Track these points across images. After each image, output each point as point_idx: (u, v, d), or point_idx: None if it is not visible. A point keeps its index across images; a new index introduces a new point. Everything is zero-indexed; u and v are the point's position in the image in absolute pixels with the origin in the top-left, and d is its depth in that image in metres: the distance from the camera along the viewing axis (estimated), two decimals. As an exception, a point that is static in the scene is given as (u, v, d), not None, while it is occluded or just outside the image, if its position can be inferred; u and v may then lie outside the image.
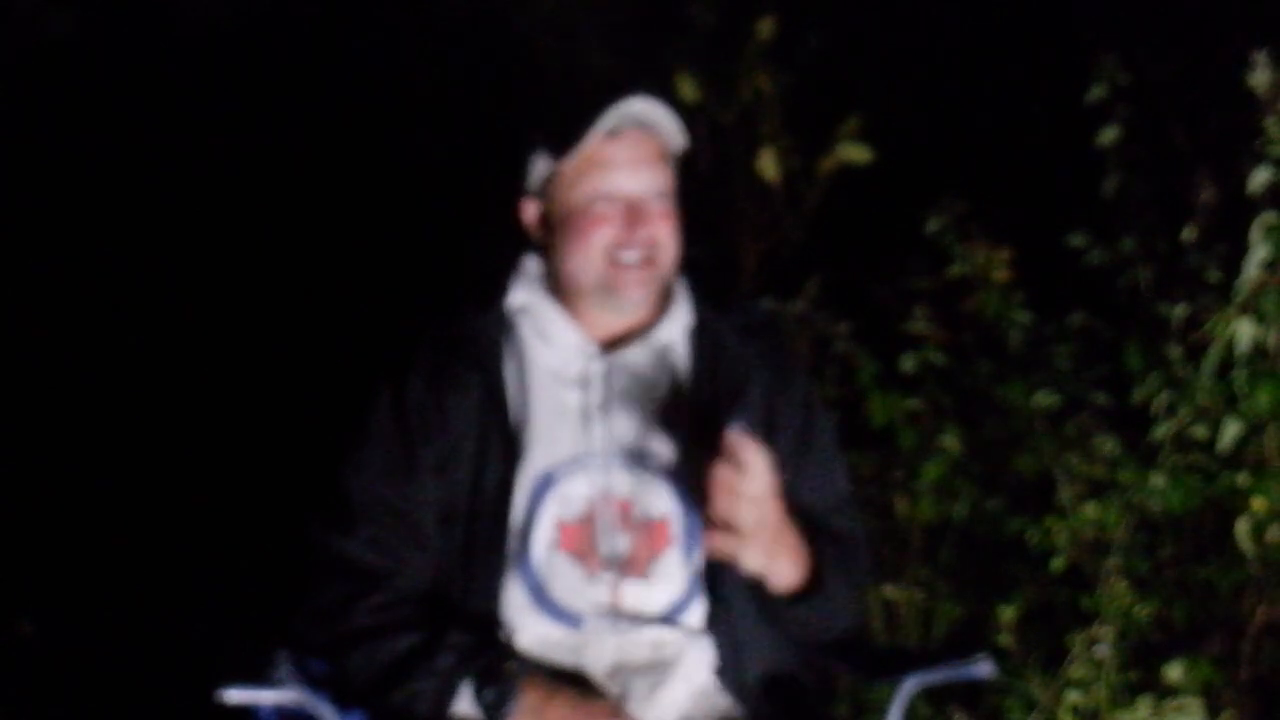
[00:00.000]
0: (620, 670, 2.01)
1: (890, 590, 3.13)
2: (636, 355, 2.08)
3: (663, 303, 2.13)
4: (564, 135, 2.03)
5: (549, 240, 2.09)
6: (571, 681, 1.98)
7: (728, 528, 1.89)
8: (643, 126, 2.04)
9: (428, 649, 1.95)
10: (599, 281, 2.04)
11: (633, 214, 2.02)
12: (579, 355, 2.07)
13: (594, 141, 2.02)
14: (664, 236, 2.05)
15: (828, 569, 2.02)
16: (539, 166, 2.07)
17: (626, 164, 2.03)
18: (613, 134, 2.03)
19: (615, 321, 2.09)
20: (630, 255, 2.03)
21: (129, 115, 4.28)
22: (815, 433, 2.13)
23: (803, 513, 2.05)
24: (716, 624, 2.04)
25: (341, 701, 2.00)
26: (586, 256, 2.04)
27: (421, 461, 2.03)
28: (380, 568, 2.02)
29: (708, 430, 2.05)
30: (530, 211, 2.11)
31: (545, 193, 2.07)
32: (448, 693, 1.95)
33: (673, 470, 2.05)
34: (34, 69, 4.33)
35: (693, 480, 2.03)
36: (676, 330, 2.11)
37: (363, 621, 1.99)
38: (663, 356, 2.10)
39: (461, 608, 2.00)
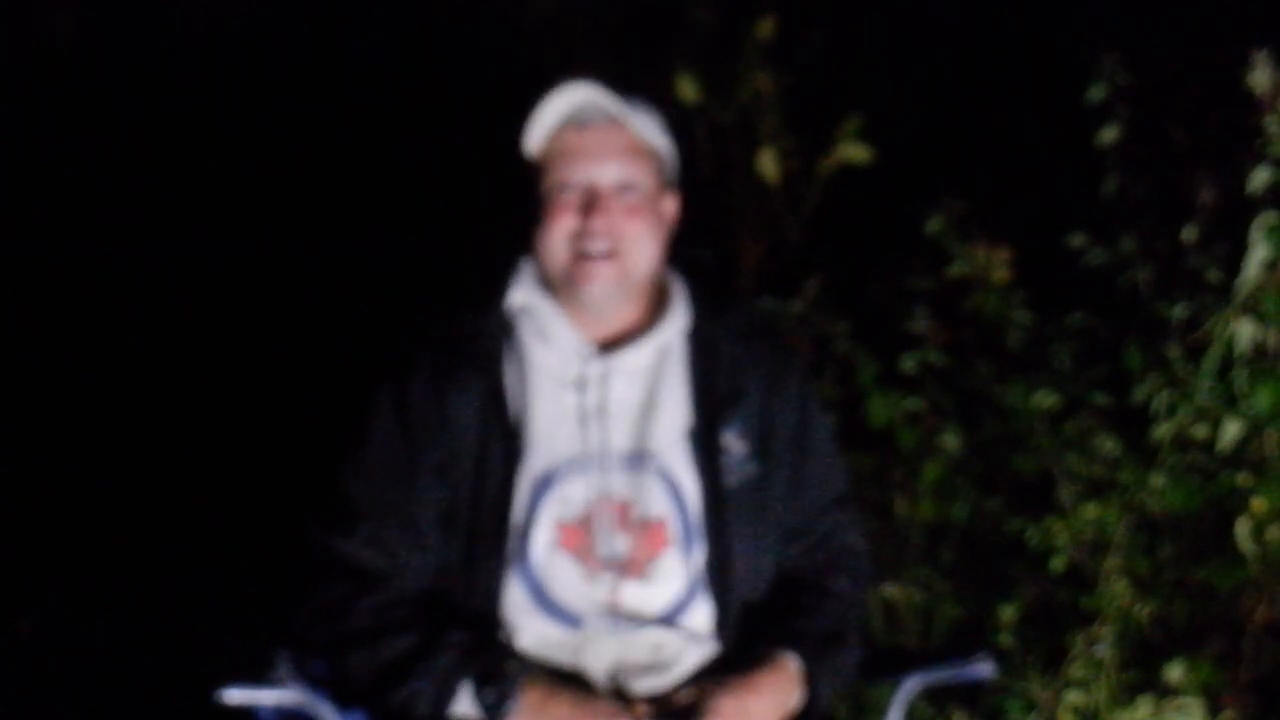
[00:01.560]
0: (620, 670, 2.01)
1: (890, 590, 3.12)
2: (634, 358, 2.08)
3: (660, 304, 2.13)
4: (528, 126, 2.06)
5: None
6: (571, 681, 1.99)
7: None
8: (612, 119, 2.04)
9: (427, 649, 1.96)
10: (564, 273, 2.05)
11: (590, 203, 2.03)
12: (576, 357, 2.07)
13: (561, 132, 2.04)
14: (629, 230, 2.04)
15: (816, 669, 2.02)
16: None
17: (589, 154, 2.04)
18: (580, 125, 2.04)
19: (613, 323, 2.10)
20: (592, 246, 2.03)
21: (129, 116, 4.28)
22: (812, 434, 2.14)
23: (793, 529, 2.08)
24: (723, 627, 2.05)
25: (341, 701, 2.00)
26: (551, 246, 2.05)
27: (423, 462, 2.04)
28: (380, 568, 2.02)
29: (705, 433, 2.05)
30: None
31: (532, 186, 2.09)
32: (447, 692, 1.95)
33: (670, 471, 2.05)
34: (34, 69, 4.33)
35: (690, 481, 2.04)
36: (674, 332, 2.11)
37: (363, 622, 1.99)
38: (660, 359, 2.10)
39: (461, 608, 2.01)
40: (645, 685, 2.00)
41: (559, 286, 2.07)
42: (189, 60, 4.32)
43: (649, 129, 2.07)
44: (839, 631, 2.07)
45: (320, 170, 4.12)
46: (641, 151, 2.07)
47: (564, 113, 2.05)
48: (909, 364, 3.19)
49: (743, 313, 2.20)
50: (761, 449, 2.08)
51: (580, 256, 2.03)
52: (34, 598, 3.84)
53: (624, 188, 2.05)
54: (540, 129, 2.06)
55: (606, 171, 2.04)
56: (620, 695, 1.99)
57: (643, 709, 1.94)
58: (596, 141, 2.04)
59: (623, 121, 2.05)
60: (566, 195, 2.04)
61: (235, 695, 1.97)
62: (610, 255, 2.03)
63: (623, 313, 2.10)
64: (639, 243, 2.06)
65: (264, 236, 4.15)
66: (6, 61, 4.31)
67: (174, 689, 2.79)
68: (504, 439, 2.04)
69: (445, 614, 1.99)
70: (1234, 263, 2.81)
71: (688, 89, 3.53)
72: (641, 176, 2.06)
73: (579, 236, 2.03)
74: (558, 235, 2.04)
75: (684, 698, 1.96)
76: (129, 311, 4.20)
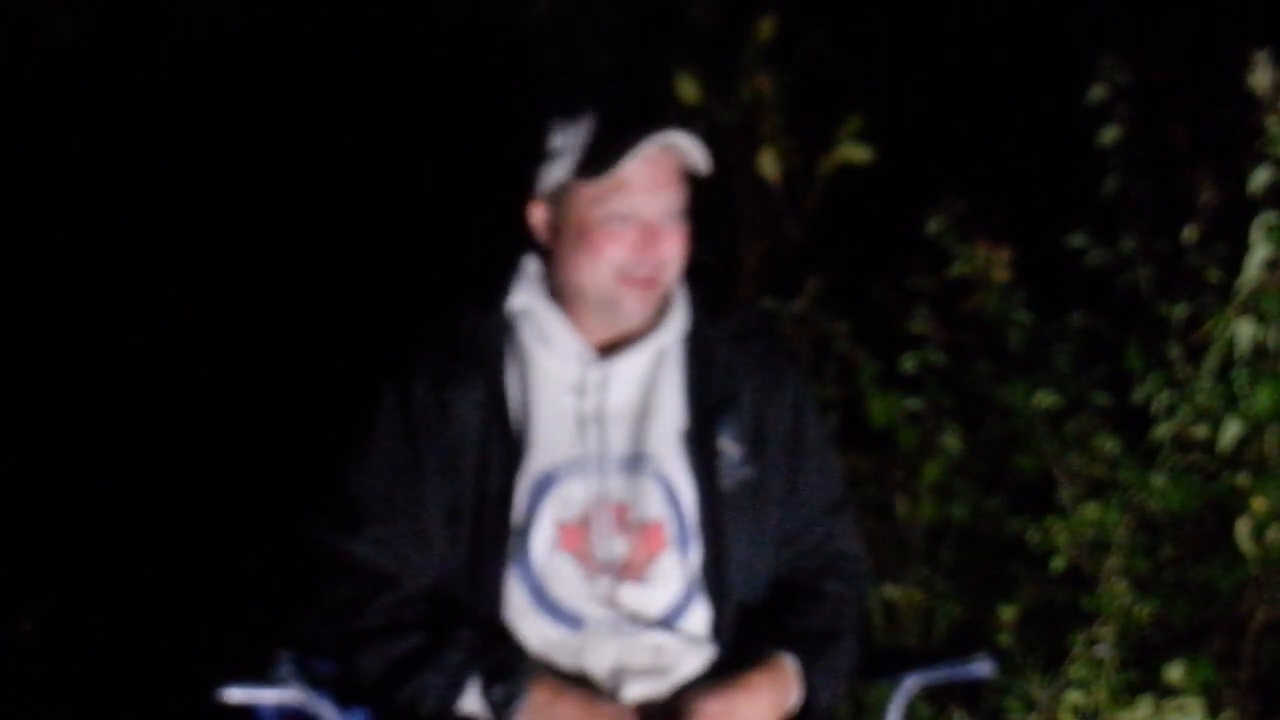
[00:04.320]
0: (620, 673, 2.01)
1: (890, 590, 3.13)
2: (632, 363, 2.08)
3: (661, 307, 2.13)
4: (593, 160, 2.00)
5: (555, 246, 2.08)
6: (576, 682, 1.99)
7: None
8: (666, 148, 2.03)
9: (437, 645, 1.96)
10: (603, 295, 2.04)
11: (647, 236, 2.02)
12: (576, 361, 2.07)
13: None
14: (673, 255, 2.05)
15: (812, 668, 2.02)
16: (554, 173, 2.04)
17: (647, 187, 2.01)
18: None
19: (613, 328, 2.10)
20: (637, 271, 2.03)
21: (129, 116, 4.27)
22: (806, 436, 2.13)
23: (787, 535, 2.08)
24: (719, 629, 2.05)
25: (343, 701, 2.00)
26: (595, 271, 2.03)
27: (427, 461, 2.04)
28: (388, 569, 2.02)
29: (700, 436, 2.05)
30: (538, 215, 2.09)
31: (558, 200, 2.06)
32: (456, 688, 1.95)
33: (666, 474, 2.05)
34: (34, 69, 4.33)
35: (686, 484, 2.05)
36: (672, 337, 2.11)
37: (376, 621, 1.99)
38: (658, 363, 2.10)
39: (467, 607, 2.01)
40: (644, 689, 2.01)
41: (589, 302, 2.05)
42: (189, 60, 4.32)
43: (698, 156, 2.04)
44: (834, 630, 2.07)
45: (321, 170, 4.12)
46: (684, 175, 2.06)
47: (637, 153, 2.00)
48: (909, 364, 3.19)
49: (740, 315, 2.19)
50: (756, 452, 2.08)
51: (624, 279, 2.02)
52: (34, 598, 3.84)
53: (674, 215, 2.04)
54: (609, 168, 2.00)
55: (661, 203, 2.02)
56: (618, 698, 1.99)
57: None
58: (653, 173, 2.01)
59: (675, 148, 2.03)
60: (620, 226, 2.01)
61: (236, 694, 1.97)
62: (652, 282, 2.04)
63: (627, 324, 2.10)
64: (676, 263, 2.06)
65: (265, 236, 4.15)
66: (6, 61, 4.31)
67: (174, 689, 2.79)
68: (504, 439, 2.04)
69: (453, 613, 1.99)
70: (1234, 263, 2.82)
71: (688, 89, 3.53)
72: (684, 198, 2.06)
73: (628, 265, 2.03)
74: (604, 265, 2.02)
75: (669, 704, 1.96)
76: (129, 311, 4.19)
